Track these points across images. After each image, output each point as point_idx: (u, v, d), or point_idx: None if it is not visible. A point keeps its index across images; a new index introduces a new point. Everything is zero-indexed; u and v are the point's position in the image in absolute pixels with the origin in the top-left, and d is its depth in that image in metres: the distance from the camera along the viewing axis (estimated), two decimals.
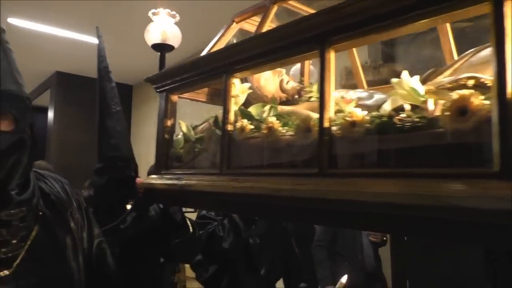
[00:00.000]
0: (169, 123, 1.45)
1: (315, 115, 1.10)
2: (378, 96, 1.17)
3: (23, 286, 0.96)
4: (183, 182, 1.27)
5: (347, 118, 0.89)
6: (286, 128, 1.06)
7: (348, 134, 0.89)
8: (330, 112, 0.93)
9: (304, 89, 1.33)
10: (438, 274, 2.23)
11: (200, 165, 1.31)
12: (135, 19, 4.99)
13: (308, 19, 0.95)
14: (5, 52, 0.98)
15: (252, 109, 1.24)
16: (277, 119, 1.08)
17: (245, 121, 1.15)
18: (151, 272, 1.67)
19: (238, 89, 1.22)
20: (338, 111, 0.95)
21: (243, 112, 1.21)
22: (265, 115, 1.23)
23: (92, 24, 5.40)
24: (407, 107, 0.82)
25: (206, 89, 1.54)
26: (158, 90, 1.47)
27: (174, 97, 1.46)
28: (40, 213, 1.05)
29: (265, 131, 1.08)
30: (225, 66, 1.18)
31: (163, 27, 1.67)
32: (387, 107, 0.96)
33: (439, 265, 2.25)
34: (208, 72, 1.26)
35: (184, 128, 1.39)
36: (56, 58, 6.42)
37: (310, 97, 1.30)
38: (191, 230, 1.65)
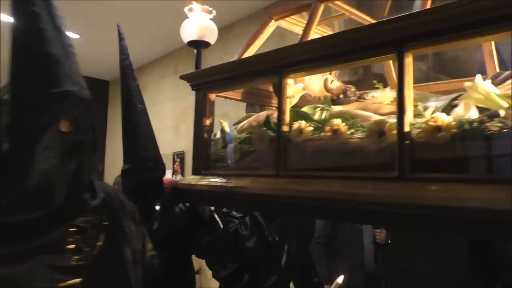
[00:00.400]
0: (207, 122, 1.41)
1: (378, 117, 1.11)
2: (434, 98, 1.19)
3: None
4: (232, 183, 1.25)
5: (430, 123, 0.90)
6: (352, 130, 1.06)
7: (432, 139, 0.90)
8: (410, 116, 0.93)
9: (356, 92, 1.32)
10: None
11: (247, 166, 1.28)
12: (111, 13, 4.85)
13: (387, 23, 0.95)
14: (68, 56, 0.98)
15: (304, 110, 1.23)
16: (342, 121, 1.07)
17: (303, 123, 1.14)
18: (185, 274, 1.64)
19: (293, 90, 1.21)
20: (417, 115, 0.96)
21: (298, 113, 1.20)
22: (316, 116, 1.23)
23: (71, 19, 5.19)
24: (502, 113, 0.84)
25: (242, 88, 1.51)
26: (195, 88, 1.43)
27: (212, 96, 1.42)
28: (104, 223, 1.03)
29: (329, 133, 1.07)
30: (281, 66, 1.16)
31: (199, 23, 1.62)
32: (460, 111, 0.97)
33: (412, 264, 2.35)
34: (260, 72, 1.23)
35: (226, 128, 1.36)
36: None
37: (359, 97, 1.30)
38: (221, 226, 1.63)
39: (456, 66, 1.93)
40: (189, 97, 5.00)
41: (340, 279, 2.20)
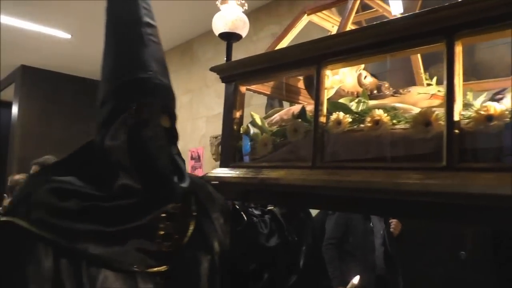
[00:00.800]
0: (237, 114, 1.40)
1: (418, 109, 1.10)
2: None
3: (179, 284, 0.94)
4: (264, 175, 1.23)
5: (481, 112, 0.89)
6: (394, 121, 1.05)
7: (483, 128, 0.89)
8: (459, 106, 0.92)
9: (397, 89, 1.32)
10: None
11: (279, 158, 1.26)
12: (103, 12, 4.78)
13: (438, 11, 0.94)
14: (145, 44, 0.98)
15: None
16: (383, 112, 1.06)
17: (342, 114, 1.13)
18: None
19: (330, 81, 1.20)
20: (466, 105, 0.95)
21: (335, 105, 1.18)
22: (353, 108, 1.22)
23: (58, 18, 5.16)
24: None
25: (271, 82, 1.50)
26: (225, 81, 1.42)
27: (243, 88, 1.41)
28: (194, 213, 1.04)
29: (370, 124, 1.06)
30: (320, 57, 1.15)
31: (231, 16, 1.62)
32: (507, 103, 0.96)
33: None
34: (297, 63, 1.22)
35: (258, 121, 1.34)
36: (21, 52, 6.10)
37: (395, 92, 1.29)
38: (245, 218, 1.61)
39: (486, 69, 1.94)
40: (181, 97, 5.02)
41: (356, 280, 2.17)
